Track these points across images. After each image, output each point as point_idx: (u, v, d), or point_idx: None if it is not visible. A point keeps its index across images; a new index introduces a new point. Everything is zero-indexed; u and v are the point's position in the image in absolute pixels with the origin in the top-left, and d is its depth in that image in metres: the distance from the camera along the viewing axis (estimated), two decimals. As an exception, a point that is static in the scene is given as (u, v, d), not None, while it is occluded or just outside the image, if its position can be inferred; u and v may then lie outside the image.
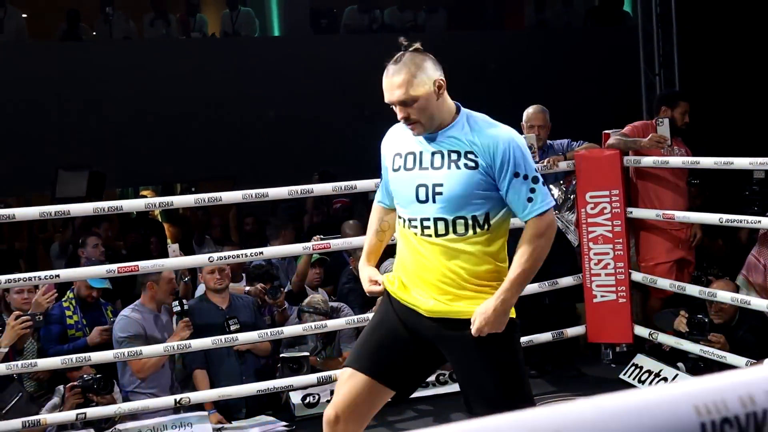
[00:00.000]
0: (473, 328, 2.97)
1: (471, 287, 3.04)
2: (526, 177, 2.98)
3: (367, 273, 3.29)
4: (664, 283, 5.61)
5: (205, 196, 4.80)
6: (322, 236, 5.68)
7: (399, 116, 3.04)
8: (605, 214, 5.75)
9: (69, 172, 7.90)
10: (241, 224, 8.96)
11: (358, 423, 3.16)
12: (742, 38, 10.74)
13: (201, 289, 5.84)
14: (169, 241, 8.77)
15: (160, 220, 10.29)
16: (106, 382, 4.81)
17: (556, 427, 0.70)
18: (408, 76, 2.97)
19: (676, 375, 5.29)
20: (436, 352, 3.14)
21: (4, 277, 4.42)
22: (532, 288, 5.74)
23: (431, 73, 3.01)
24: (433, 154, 3.04)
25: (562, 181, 5.91)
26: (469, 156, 2.99)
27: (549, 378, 5.79)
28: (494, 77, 11.72)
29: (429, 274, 3.06)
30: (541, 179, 3.04)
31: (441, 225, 3.02)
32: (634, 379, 5.57)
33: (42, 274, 4.51)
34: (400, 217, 3.16)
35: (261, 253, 5.24)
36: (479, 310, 2.98)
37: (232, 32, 11.65)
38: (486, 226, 3.02)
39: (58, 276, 4.57)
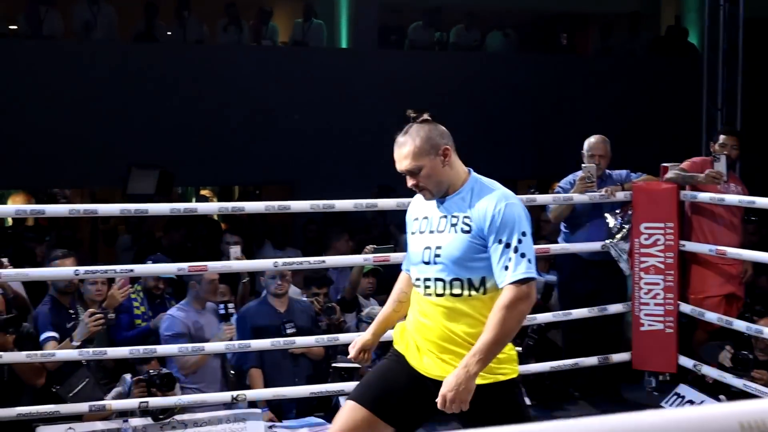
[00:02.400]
0: (438, 402, 3.01)
1: (470, 348, 3.06)
2: (508, 245, 3.04)
3: (360, 340, 3.48)
4: (712, 317, 5.71)
5: (275, 204, 5.03)
6: (375, 246, 5.87)
7: (408, 184, 3.21)
8: (658, 245, 5.87)
9: (141, 170, 8.20)
10: (304, 230, 9.19)
11: None
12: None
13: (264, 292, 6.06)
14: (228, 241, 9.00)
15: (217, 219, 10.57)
16: (170, 380, 5.05)
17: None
18: (413, 147, 3.14)
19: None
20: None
21: (82, 269, 4.68)
22: (580, 312, 5.90)
23: (437, 141, 3.16)
24: (441, 218, 3.20)
25: (618, 211, 6.04)
26: (465, 220, 3.13)
27: (590, 401, 5.91)
28: (555, 102, 11.84)
29: (430, 333, 3.19)
30: (524, 249, 3.05)
31: (440, 285, 3.16)
32: (675, 407, 5.67)
33: (118, 267, 4.77)
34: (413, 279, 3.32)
35: (323, 261, 5.45)
36: (444, 382, 3.02)
37: (302, 42, 11.92)
38: (482, 290, 3.12)
39: (132, 270, 4.82)
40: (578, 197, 5.84)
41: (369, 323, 5.76)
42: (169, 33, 11.59)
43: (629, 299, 6.02)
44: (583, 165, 5.92)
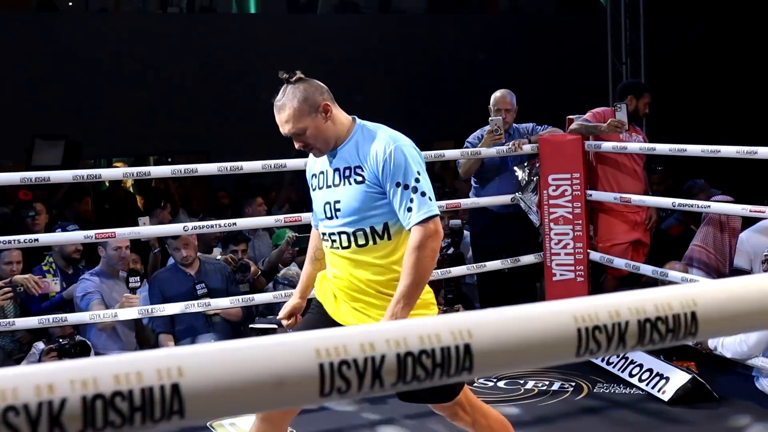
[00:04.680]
0: None
1: (379, 296, 3.16)
2: (406, 186, 3.05)
3: (289, 304, 3.47)
4: (620, 263, 5.87)
5: (182, 167, 4.97)
6: (297, 234, 5.92)
7: (296, 146, 3.19)
8: (566, 196, 5.99)
9: (45, 141, 8.01)
10: (215, 198, 9.12)
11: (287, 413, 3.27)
12: (707, 30, 11.02)
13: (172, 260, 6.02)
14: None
15: (132, 191, 10.42)
16: (83, 347, 4.98)
17: (470, 326, 0.89)
18: (292, 110, 3.09)
19: (628, 350, 5.52)
20: None
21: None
22: (493, 265, 6.00)
23: (315, 99, 3.11)
24: (334, 172, 3.20)
25: (526, 164, 6.14)
26: (357, 171, 3.13)
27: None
28: (467, 61, 11.92)
29: (341, 283, 3.23)
30: (423, 188, 3.08)
31: (344, 238, 3.17)
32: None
33: (22, 237, 4.66)
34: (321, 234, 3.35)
35: (234, 224, 5.43)
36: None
37: (209, 8, 11.76)
38: (386, 236, 3.14)
39: (37, 240, 4.73)
40: (486, 151, 5.91)
41: (285, 284, 5.82)
42: (70, 3, 11.32)
43: (541, 250, 6.14)
44: (490, 119, 5.99)
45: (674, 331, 0.89)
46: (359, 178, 3.12)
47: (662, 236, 6.75)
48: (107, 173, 5.18)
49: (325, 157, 3.24)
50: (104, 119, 10.28)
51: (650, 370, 5.15)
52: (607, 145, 5.89)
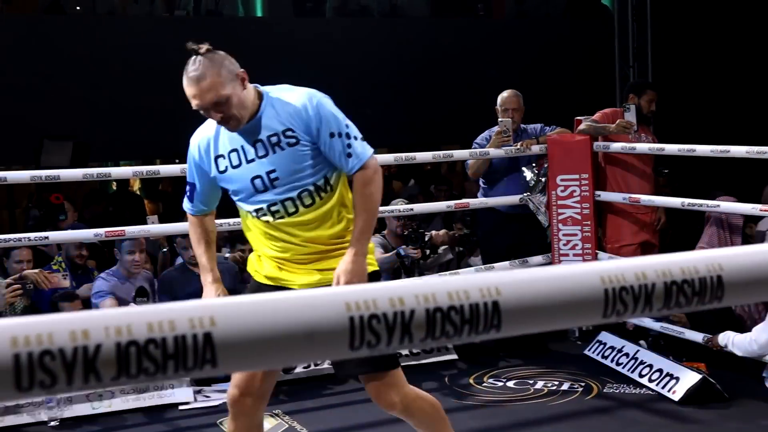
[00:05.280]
0: (333, 282, 3.11)
1: (337, 248, 3.20)
2: (340, 135, 3.10)
3: (216, 292, 3.30)
4: (628, 264, 5.86)
5: (180, 167, 5.02)
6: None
7: (215, 118, 3.06)
8: (575, 197, 5.99)
9: (54, 141, 8.03)
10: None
11: (261, 398, 3.26)
12: (714, 34, 11.03)
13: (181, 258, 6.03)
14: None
15: (140, 194, 10.45)
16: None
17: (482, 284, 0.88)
18: (215, 78, 2.99)
19: (638, 350, 5.53)
20: None
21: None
22: (502, 265, 5.99)
23: (233, 68, 3.05)
24: (254, 143, 3.12)
25: (534, 164, 6.14)
26: (287, 134, 3.09)
27: (516, 353, 6.01)
28: (474, 64, 11.93)
29: (295, 252, 3.19)
30: (354, 132, 3.14)
31: (290, 204, 3.14)
32: (597, 354, 5.80)
33: (32, 235, 4.67)
34: (246, 213, 3.23)
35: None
36: (338, 271, 3.10)
37: (216, 11, 11.80)
38: (329, 188, 3.18)
39: (47, 238, 4.74)
40: (494, 152, 5.91)
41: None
42: (78, 8, 11.36)
43: (549, 251, 6.14)
44: (499, 120, 5.99)
45: (700, 294, 0.90)
46: (292, 141, 3.09)
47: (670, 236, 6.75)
48: (117, 171, 5.19)
49: (225, 137, 3.16)
50: (112, 121, 10.30)
51: (660, 370, 5.14)
52: (615, 146, 5.89)
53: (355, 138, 3.13)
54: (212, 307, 0.73)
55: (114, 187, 9.37)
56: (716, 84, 10.66)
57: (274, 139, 3.09)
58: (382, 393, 3.19)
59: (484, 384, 5.40)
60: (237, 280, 5.85)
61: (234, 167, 3.15)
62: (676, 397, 4.84)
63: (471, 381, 5.46)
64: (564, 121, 6.33)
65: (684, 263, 0.89)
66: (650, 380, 5.13)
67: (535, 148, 5.98)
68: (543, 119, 6.40)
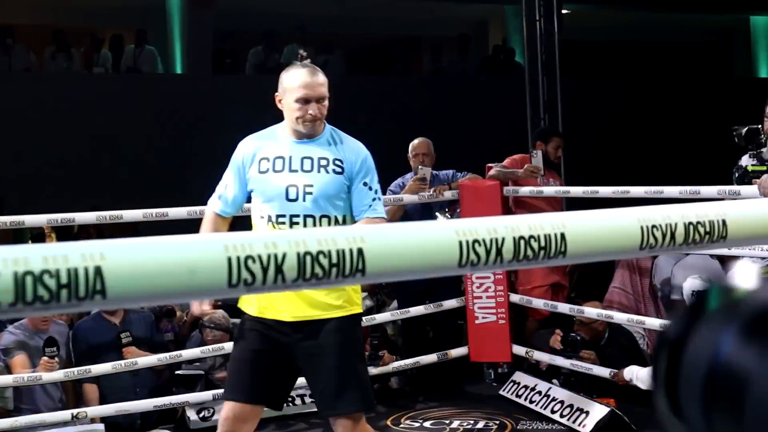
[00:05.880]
0: None
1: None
2: (370, 188, 3.49)
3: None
4: (539, 303, 6.03)
5: (107, 213, 5.14)
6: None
7: (312, 111, 3.40)
8: (487, 240, 6.16)
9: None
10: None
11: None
12: (618, 86, 11.56)
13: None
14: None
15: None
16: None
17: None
18: (324, 78, 3.46)
19: (550, 388, 5.68)
20: (292, 362, 3.49)
21: None
22: (417, 310, 6.10)
23: None
24: (302, 158, 3.44)
25: (446, 209, 6.30)
26: (337, 163, 3.45)
27: (433, 395, 6.10)
28: (390, 120, 12.16)
29: None
30: (380, 192, 3.55)
31: (310, 222, 3.41)
32: (511, 393, 5.93)
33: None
34: (263, 216, 3.48)
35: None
36: None
37: (134, 68, 11.83)
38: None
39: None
40: (408, 197, 6.06)
41: (212, 327, 5.83)
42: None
43: (463, 294, 6.28)
44: (419, 167, 6.15)
45: (546, 249, 1.01)
46: (338, 170, 3.44)
47: (581, 279, 6.95)
48: (30, 220, 5.18)
49: (279, 146, 3.47)
50: (28, 176, 10.21)
51: (571, 406, 5.29)
52: (524, 190, 6.10)
53: (379, 198, 3.51)
54: (103, 244, 0.82)
55: (29, 238, 9.26)
56: (621, 133, 11.18)
57: (323, 162, 3.43)
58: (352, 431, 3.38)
59: (402, 425, 5.48)
60: (153, 329, 5.84)
61: (275, 171, 3.44)
62: (586, 430, 4.99)
63: (389, 423, 5.53)
64: (477, 168, 6.53)
65: (531, 222, 1.01)
66: (561, 416, 5.27)
67: (448, 194, 6.15)
68: (457, 165, 6.59)
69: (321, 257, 0.89)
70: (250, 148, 3.53)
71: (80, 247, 0.81)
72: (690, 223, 1.07)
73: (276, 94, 3.52)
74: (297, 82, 3.41)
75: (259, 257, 0.86)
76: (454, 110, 12.34)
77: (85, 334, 5.64)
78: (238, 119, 10.92)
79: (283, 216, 3.42)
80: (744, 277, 0.71)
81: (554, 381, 5.93)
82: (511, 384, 6.03)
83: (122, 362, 5.21)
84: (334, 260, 0.90)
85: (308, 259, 0.89)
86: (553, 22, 10.11)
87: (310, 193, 3.40)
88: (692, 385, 0.69)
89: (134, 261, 0.82)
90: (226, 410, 3.48)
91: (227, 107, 11.17)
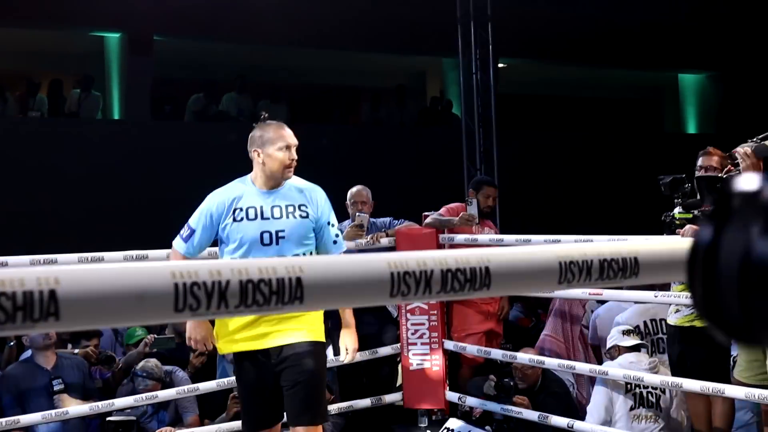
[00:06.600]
0: (348, 357, 4.28)
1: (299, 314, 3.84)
2: (333, 225, 4.06)
3: (203, 334, 3.98)
4: (472, 349, 6.12)
5: (41, 257, 5.04)
6: (156, 336, 6.08)
7: (292, 157, 3.94)
8: (423, 287, 6.24)
9: None
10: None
11: None
12: (554, 141, 11.90)
13: (28, 353, 5.91)
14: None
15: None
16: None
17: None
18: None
19: (482, 434, 5.74)
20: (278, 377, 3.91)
21: None
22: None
23: None
24: (272, 207, 3.90)
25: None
26: (303, 209, 3.93)
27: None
28: (328, 168, 12.26)
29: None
30: (338, 226, 4.16)
31: None
32: (445, 442, 5.97)
33: None
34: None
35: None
36: (347, 343, 4.23)
37: (75, 113, 11.78)
38: None
39: None
40: (345, 244, 6.11)
41: (144, 377, 5.78)
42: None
43: (398, 341, 6.33)
44: (357, 214, 6.23)
45: (471, 281, 1.09)
46: (304, 214, 3.92)
47: (514, 328, 7.07)
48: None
49: (250, 197, 3.89)
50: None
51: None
52: (459, 238, 6.21)
53: (341, 231, 4.11)
54: (57, 269, 0.87)
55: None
56: (555, 184, 11.48)
57: (290, 209, 3.89)
58: None
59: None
60: (86, 375, 5.77)
61: (249, 219, 3.85)
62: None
63: (323, 468, 5.52)
64: (414, 216, 6.64)
65: (458, 255, 1.09)
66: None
67: (384, 241, 6.23)
68: (395, 215, 6.69)
69: (262, 285, 0.96)
70: (222, 198, 3.91)
71: (36, 272, 0.86)
72: (605, 260, 1.17)
73: (253, 149, 3.92)
74: (277, 133, 3.90)
75: (204, 284, 0.93)
76: (392, 159, 12.51)
77: (16, 379, 5.55)
78: (176, 165, 10.96)
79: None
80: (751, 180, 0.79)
81: (487, 428, 6.00)
82: (445, 431, 6.08)
83: (53, 411, 5.13)
84: (275, 288, 0.97)
85: (250, 286, 0.96)
86: (490, 76, 10.40)
87: (283, 237, 3.85)
88: (728, 278, 0.76)
89: (87, 286, 0.88)
90: None
91: (166, 153, 11.18)
